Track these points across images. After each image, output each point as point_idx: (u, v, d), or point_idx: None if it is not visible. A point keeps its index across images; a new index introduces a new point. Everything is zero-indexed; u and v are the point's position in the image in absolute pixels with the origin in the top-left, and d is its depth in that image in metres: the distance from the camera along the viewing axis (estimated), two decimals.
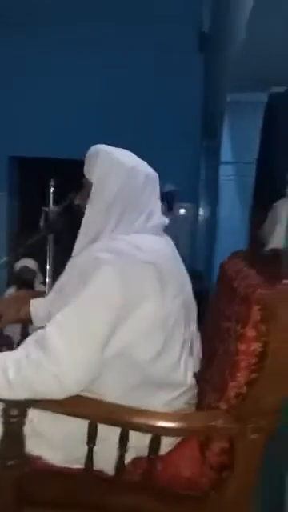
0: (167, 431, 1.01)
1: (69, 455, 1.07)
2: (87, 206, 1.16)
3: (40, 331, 1.02)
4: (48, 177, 4.82)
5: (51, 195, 1.96)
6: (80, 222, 1.20)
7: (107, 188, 1.13)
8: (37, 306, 1.48)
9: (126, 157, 1.18)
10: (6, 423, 1.02)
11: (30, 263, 3.57)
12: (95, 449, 1.04)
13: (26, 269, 3.54)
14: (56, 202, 1.97)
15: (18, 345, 3.06)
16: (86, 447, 1.04)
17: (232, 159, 2.65)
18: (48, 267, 1.80)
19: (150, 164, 1.22)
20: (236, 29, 2.05)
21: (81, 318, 0.98)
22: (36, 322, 1.48)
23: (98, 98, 4.22)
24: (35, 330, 1.50)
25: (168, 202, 3.64)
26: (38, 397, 0.97)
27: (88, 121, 4.21)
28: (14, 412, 1.01)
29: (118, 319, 1.01)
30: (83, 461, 1.05)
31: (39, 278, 3.64)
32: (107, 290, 1.00)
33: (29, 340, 1.05)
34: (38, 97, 4.35)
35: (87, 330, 0.98)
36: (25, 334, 2.89)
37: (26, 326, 2.80)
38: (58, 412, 1.01)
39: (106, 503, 1.06)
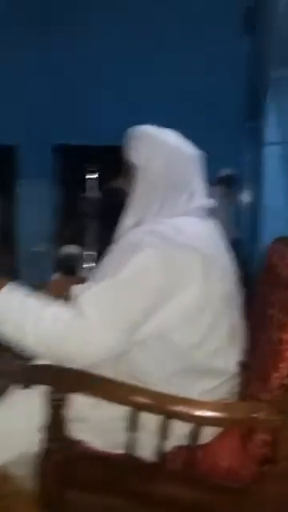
0: (208, 421, 0.99)
1: (110, 441, 1.08)
2: (130, 188, 1.14)
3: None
4: (89, 164, 4.87)
5: (92, 182, 1.94)
6: (123, 207, 1.18)
7: (150, 169, 1.11)
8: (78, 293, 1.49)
9: (169, 137, 1.15)
10: (50, 407, 1.04)
11: (73, 249, 3.65)
12: (136, 435, 1.04)
13: (69, 255, 3.62)
14: (98, 189, 1.96)
15: None
16: (128, 433, 1.05)
17: (277, 139, 2.53)
18: (92, 253, 1.79)
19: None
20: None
21: (118, 293, 0.99)
22: None
23: (138, 82, 4.18)
24: None
25: (226, 185, 3.57)
26: (56, 355, 0.99)
27: (128, 106, 4.19)
28: (58, 396, 1.03)
29: (157, 302, 1.00)
30: (124, 447, 1.06)
31: (82, 263, 3.71)
32: (148, 271, 0.99)
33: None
34: (80, 85, 4.37)
35: (122, 305, 0.98)
36: None
37: None
38: (100, 398, 1.02)
39: (146, 490, 1.07)
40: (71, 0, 4.24)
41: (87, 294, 1.00)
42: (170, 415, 1.00)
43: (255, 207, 3.13)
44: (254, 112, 3.18)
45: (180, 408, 0.99)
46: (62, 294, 1.48)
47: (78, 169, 4.79)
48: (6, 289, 1.02)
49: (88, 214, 1.18)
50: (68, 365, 1.00)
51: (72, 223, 4.92)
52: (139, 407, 1.02)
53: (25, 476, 1.16)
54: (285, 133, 2.50)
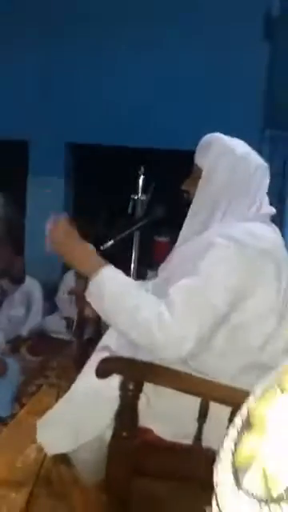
0: None
1: (179, 430, 1.11)
2: (197, 191, 1.19)
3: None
4: (105, 164, 4.88)
5: (140, 183, 1.98)
6: (183, 210, 1.23)
7: (217, 175, 1.16)
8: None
9: (238, 145, 1.20)
10: (123, 396, 1.07)
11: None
12: (205, 426, 1.08)
13: None
14: (144, 191, 1.99)
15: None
16: (197, 423, 1.08)
17: None
18: (134, 254, 1.83)
19: None
20: None
21: (199, 290, 1.03)
22: None
23: (155, 84, 4.21)
24: None
25: None
26: (152, 347, 1.03)
27: (146, 108, 4.23)
28: (131, 386, 1.06)
29: (233, 302, 1.04)
30: (192, 437, 1.10)
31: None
32: (228, 270, 1.04)
33: None
34: (93, 84, 4.39)
35: (204, 302, 1.02)
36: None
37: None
38: (171, 388, 1.05)
39: (211, 478, 1.10)
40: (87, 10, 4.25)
41: (173, 289, 1.03)
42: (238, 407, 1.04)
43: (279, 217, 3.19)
44: (278, 121, 3.25)
45: None
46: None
47: (92, 168, 4.81)
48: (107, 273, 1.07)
49: (145, 216, 1.21)
50: (158, 356, 1.03)
51: (85, 221, 4.93)
52: (210, 398, 1.06)
53: (87, 463, 1.19)
54: None
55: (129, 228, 1.36)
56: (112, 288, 1.06)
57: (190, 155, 1.27)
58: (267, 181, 1.23)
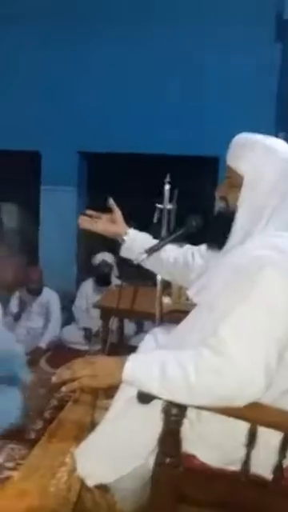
0: None
1: (225, 456, 1.06)
2: (240, 199, 1.10)
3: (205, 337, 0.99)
4: (116, 172, 4.84)
5: (166, 192, 1.93)
6: (221, 219, 1.16)
7: (262, 180, 1.07)
8: (133, 237, 1.46)
9: (279, 146, 1.10)
10: (166, 421, 1.02)
11: (108, 257, 3.63)
12: (253, 452, 1.02)
13: (104, 262, 3.60)
14: (169, 199, 1.95)
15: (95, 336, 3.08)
16: (245, 449, 1.03)
17: None
18: None
19: None
20: None
21: (256, 322, 0.95)
22: (124, 251, 1.47)
23: (169, 89, 4.17)
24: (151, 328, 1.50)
25: None
26: (218, 404, 0.95)
27: (154, 115, 4.20)
28: (174, 411, 1.01)
29: (286, 322, 0.98)
30: (239, 463, 1.04)
31: (115, 272, 3.69)
32: (277, 293, 0.96)
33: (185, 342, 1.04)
34: (104, 92, 4.37)
35: (265, 336, 0.95)
36: (122, 329, 2.95)
37: (122, 321, 2.85)
38: (218, 413, 1.00)
39: (261, 508, 1.04)
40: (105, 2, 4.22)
41: (224, 329, 0.95)
42: None
43: None
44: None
45: None
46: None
47: (104, 177, 4.78)
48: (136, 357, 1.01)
49: (187, 226, 1.15)
50: (239, 406, 0.95)
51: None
52: (259, 423, 1.00)
53: (128, 490, 1.14)
54: None
55: (163, 240, 1.32)
56: (146, 375, 0.98)
57: (204, 160, 1.19)
58: None
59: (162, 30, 4.10)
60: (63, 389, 1.03)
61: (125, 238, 1.45)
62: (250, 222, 1.09)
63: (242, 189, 1.10)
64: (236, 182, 1.11)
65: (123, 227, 1.47)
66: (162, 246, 1.30)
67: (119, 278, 3.59)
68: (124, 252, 1.46)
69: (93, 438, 1.13)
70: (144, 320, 3.27)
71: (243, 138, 1.13)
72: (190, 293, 1.24)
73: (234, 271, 1.02)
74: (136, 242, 1.43)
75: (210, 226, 1.25)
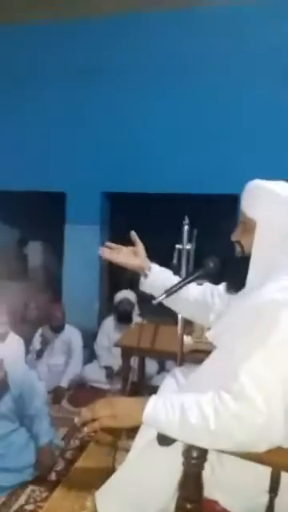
0: None
1: (248, 503, 1.04)
2: (254, 244, 1.14)
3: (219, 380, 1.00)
4: (138, 212, 4.94)
5: (185, 232, 1.98)
6: (238, 263, 1.19)
7: (275, 228, 1.11)
8: (156, 274, 1.49)
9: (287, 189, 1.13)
10: (187, 465, 1.01)
11: (129, 295, 3.66)
12: (277, 498, 1.00)
13: (126, 300, 3.63)
14: (189, 240, 1.99)
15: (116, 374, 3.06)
16: (267, 496, 1.01)
17: None
18: None
19: None
20: None
21: (274, 367, 0.96)
22: (145, 286, 1.49)
23: (190, 129, 4.30)
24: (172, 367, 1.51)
25: None
26: (240, 449, 0.95)
27: (182, 153, 4.31)
28: (195, 454, 1.01)
29: None
30: (262, 509, 1.02)
31: (136, 309, 3.71)
32: None
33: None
34: (128, 133, 4.54)
35: (283, 379, 0.95)
36: (143, 368, 2.94)
37: (143, 360, 2.84)
38: (239, 457, 0.99)
39: None
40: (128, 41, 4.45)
41: (243, 374, 0.96)
42: None
43: None
44: None
45: None
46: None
47: (126, 216, 4.89)
48: (151, 407, 1.00)
49: (204, 269, 1.18)
50: (261, 451, 0.94)
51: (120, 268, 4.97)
52: (282, 468, 0.99)
53: None
54: None
55: (181, 281, 1.35)
56: (166, 418, 0.98)
57: (228, 200, 1.22)
58: None
59: (185, 75, 4.28)
60: (84, 429, 1.05)
61: (148, 272, 1.48)
62: (266, 266, 1.12)
63: (256, 235, 1.13)
64: (249, 227, 1.15)
65: (146, 261, 1.51)
66: (181, 287, 1.33)
67: (140, 315, 3.60)
68: (145, 287, 1.49)
69: (113, 481, 1.12)
70: (166, 359, 3.25)
71: (255, 184, 1.17)
72: (210, 336, 1.26)
73: (252, 315, 1.04)
74: (159, 279, 1.47)
75: (227, 268, 1.27)
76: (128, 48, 4.43)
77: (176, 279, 1.46)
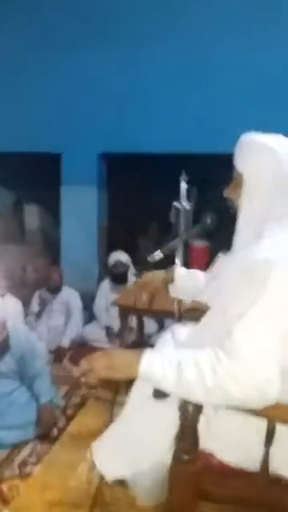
0: None
1: (244, 455, 1.06)
2: (242, 200, 1.11)
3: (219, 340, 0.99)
4: (136, 172, 4.84)
5: (183, 190, 1.93)
6: (231, 218, 1.16)
7: (264, 180, 1.07)
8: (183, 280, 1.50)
9: (279, 143, 1.09)
10: (183, 419, 1.02)
11: (122, 257, 3.65)
12: (272, 450, 1.02)
13: (118, 262, 3.63)
14: (188, 199, 1.94)
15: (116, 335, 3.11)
16: (263, 448, 1.02)
17: None
18: (177, 260, 1.77)
19: None
20: None
21: (268, 324, 0.95)
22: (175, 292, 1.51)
23: (181, 91, 4.15)
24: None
25: None
26: (234, 404, 0.95)
27: (179, 111, 4.17)
28: (191, 407, 1.01)
29: None
30: (257, 461, 1.04)
31: (132, 269, 3.70)
32: (284, 294, 0.96)
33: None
34: (122, 92, 4.38)
35: (277, 337, 0.94)
36: (142, 327, 2.96)
37: (141, 319, 2.86)
38: (236, 410, 1.00)
39: (281, 506, 1.04)
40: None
41: (237, 333, 0.95)
42: None
43: None
44: None
45: None
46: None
47: (123, 176, 4.80)
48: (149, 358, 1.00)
49: (202, 226, 1.15)
50: (256, 408, 0.95)
51: (118, 229, 4.93)
52: (277, 420, 1.00)
53: (146, 486, 1.15)
54: None
55: (177, 239, 1.32)
56: (162, 373, 0.98)
57: (229, 158, 1.18)
58: None
59: (184, 28, 4.07)
60: (82, 379, 1.05)
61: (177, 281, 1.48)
62: (254, 221, 1.09)
63: (245, 189, 1.10)
64: (240, 182, 1.11)
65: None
66: (178, 244, 1.31)
67: (136, 276, 3.60)
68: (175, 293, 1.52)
69: (109, 434, 1.14)
70: (164, 318, 3.27)
71: (247, 138, 1.13)
72: (204, 297, 1.25)
73: (245, 273, 1.02)
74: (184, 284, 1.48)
75: (226, 226, 1.24)
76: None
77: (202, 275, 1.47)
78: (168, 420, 1.04)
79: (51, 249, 4.90)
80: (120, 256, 3.69)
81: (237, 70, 4.03)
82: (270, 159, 1.07)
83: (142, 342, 2.80)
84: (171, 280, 1.48)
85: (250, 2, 3.94)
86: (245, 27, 3.98)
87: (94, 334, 3.60)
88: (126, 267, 3.66)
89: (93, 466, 1.23)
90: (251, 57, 3.99)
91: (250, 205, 1.10)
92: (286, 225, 1.06)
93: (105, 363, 1.03)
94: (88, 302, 3.90)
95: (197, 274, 1.46)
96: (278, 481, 1.04)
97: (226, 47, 4.01)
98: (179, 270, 1.50)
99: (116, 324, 3.37)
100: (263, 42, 3.94)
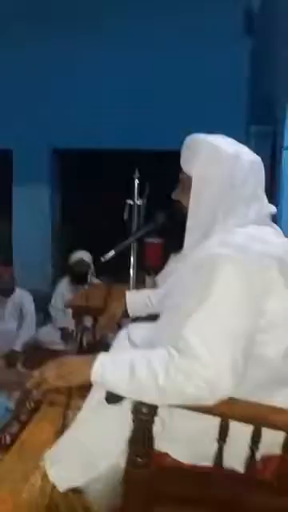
0: None
1: (198, 452, 1.05)
2: (191, 201, 1.10)
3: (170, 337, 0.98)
4: (89, 168, 4.78)
5: (136, 187, 1.90)
6: (181, 218, 1.15)
7: (210, 180, 1.07)
8: (132, 298, 1.50)
9: (225, 144, 1.10)
10: (137, 421, 1.00)
11: (85, 256, 3.58)
12: (225, 446, 1.02)
13: (81, 261, 3.55)
14: (139, 195, 1.92)
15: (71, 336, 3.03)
16: (217, 444, 1.02)
17: None
18: (132, 259, 1.76)
19: None
20: None
21: (218, 321, 0.94)
22: (132, 313, 1.52)
23: (137, 87, 4.16)
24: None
25: None
26: (188, 403, 0.94)
27: (127, 111, 4.17)
28: (145, 410, 0.99)
29: (250, 317, 0.97)
30: (211, 458, 1.03)
31: (92, 270, 3.64)
32: (236, 290, 0.96)
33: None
34: (76, 88, 4.32)
35: (227, 332, 0.94)
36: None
37: (97, 320, 2.80)
38: (189, 410, 0.98)
39: (236, 502, 1.04)
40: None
41: (188, 330, 0.94)
42: (264, 424, 0.98)
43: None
44: (265, 117, 3.20)
45: (276, 417, 0.97)
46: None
47: (76, 173, 4.73)
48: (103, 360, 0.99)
49: (151, 223, 1.13)
50: (208, 404, 0.94)
51: (72, 228, 4.84)
52: (230, 417, 1.00)
53: (100, 492, 1.11)
54: None
55: (130, 237, 1.30)
56: (115, 375, 0.97)
57: (175, 155, 1.18)
58: (263, 177, 1.13)
59: (137, 25, 4.06)
60: (34, 392, 1.02)
61: (128, 310, 1.51)
62: (204, 222, 1.09)
63: (192, 189, 1.09)
64: (188, 184, 1.11)
65: (119, 303, 1.52)
66: (130, 242, 1.28)
67: (97, 276, 3.55)
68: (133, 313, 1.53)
69: (62, 441, 1.10)
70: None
71: (191, 139, 1.13)
72: (158, 298, 1.24)
73: (195, 270, 1.02)
74: (136, 303, 1.50)
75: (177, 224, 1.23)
76: None
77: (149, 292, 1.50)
78: (122, 423, 1.02)
79: (2, 249, 4.73)
80: (82, 255, 3.62)
81: (183, 68, 4.08)
82: (215, 158, 1.08)
83: (99, 343, 2.76)
84: (121, 311, 1.52)
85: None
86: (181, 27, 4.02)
87: (49, 336, 3.51)
88: (88, 266, 3.58)
89: (46, 476, 1.18)
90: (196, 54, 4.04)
91: (197, 205, 1.10)
92: (232, 224, 1.07)
93: (56, 373, 1.01)
94: (42, 303, 3.80)
95: (147, 293, 1.49)
96: (232, 476, 1.04)
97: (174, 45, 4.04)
98: (129, 296, 1.53)
99: (72, 325, 3.31)
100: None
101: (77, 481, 1.05)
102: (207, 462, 1.04)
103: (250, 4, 3.75)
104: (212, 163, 1.07)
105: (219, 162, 1.07)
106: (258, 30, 3.79)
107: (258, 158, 1.14)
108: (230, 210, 1.08)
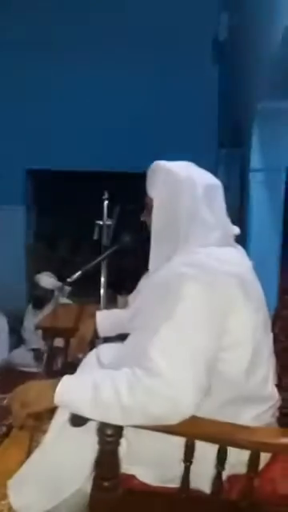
0: (270, 447, 0.98)
1: (164, 474, 1.04)
2: (152, 223, 1.15)
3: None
4: (63, 189, 4.78)
5: (105, 208, 1.93)
6: (148, 238, 1.18)
7: (168, 204, 1.13)
8: (102, 318, 1.50)
9: (183, 170, 1.15)
10: (102, 442, 0.99)
11: (42, 279, 3.51)
12: (192, 467, 1.01)
13: (35, 285, 3.51)
14: (109, 216, 1.94)
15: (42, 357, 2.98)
16: (183, 465, 1.02)
17: (262, 166, 2.64)
18: (102, 279, 1.77)
19: None
20: (268, 33, 2.02)
21: (181, 339, 0.95)
22: (102, 333, 1.52)
23: (109, 111, 4.24)
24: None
25: None
26: (153, 422, 0.94)
27: (99, 134, 4.24)
28: (110, 431, 0.98)
29: (213, 335, 0.99)
30: (179, 480, 1.03)
31: (56, 291, 3.56)
32: (199, 308, 0.98)
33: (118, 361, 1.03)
34: (51, 109, 4.36)
35: (191, 350, 0.95)
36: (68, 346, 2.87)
37: (68, 341, 2.77)
38: (153, 430, 0.98)
39: None
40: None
41: (152, 349, 0.95)
42: (230, 443, 0.99)
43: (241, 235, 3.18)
44: (234, 140, 3.31)
45: (241, 435, 0.98)
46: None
47: (50, 194, 4.73)
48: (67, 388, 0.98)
49: (117, 243, 1.16)
50: (173, 423, 0.94)
51: (47, 250, 4.81)
52: (196, 437, 1.00)
53: None
54: (270, 160, 2.62)
55: (96, 257, 1.32)
56: (78, 396, 0.96)
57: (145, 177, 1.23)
58: (221, 199, 1.17)
59: (110, 51, 4.16)
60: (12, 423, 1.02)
61: (99, 330, 1.52)
62: (166, 243, 1.13)
63: (153, 212, 1.15)
64: (151, 207, 1.17)
65: (89, 324, 1.53)
66: (96, 263, 1.30)
67: (68, 297, 3.52)
68: (102, 334, 1.54)
69: (26, 467, 1.08)
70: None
71: (154, 164, 1.20)
72: (126, 319, 1.26)
73: (159, 290, 1.04)
74: (106, 324, 1.52)
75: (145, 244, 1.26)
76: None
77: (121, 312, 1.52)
78: (87, 446, 1.00)
79: None
80: (40, 278, 3.57)
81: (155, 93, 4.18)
82: (171, 183, 1.13)
83: (70, 365, 2.72)
84: (91, 332, 1.52)
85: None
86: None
87: (22, 358, 3.44)
88: (45, 290, 3.54)
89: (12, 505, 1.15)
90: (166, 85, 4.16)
91: (158, 226, 1.15)
92: (194, 244, 1.11)
93: (20, 402, 1.00)
94: (17, 324, 3.73)
95: (118, 313, 1.52)
96: (198, 497, 1.04)
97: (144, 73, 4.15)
98: (99, 316, 1.54)
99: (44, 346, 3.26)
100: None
101: (41, 508, 1.03)
102: (175, 483, 1.04)
103: (216, 33, 3.91)
104: (168, 188, 1.13)
105: (175, 187, 1.12)
106: (225, 58, 3.94)
107: (216, 182, 1.19)
108: (189, 232, 1.11)
